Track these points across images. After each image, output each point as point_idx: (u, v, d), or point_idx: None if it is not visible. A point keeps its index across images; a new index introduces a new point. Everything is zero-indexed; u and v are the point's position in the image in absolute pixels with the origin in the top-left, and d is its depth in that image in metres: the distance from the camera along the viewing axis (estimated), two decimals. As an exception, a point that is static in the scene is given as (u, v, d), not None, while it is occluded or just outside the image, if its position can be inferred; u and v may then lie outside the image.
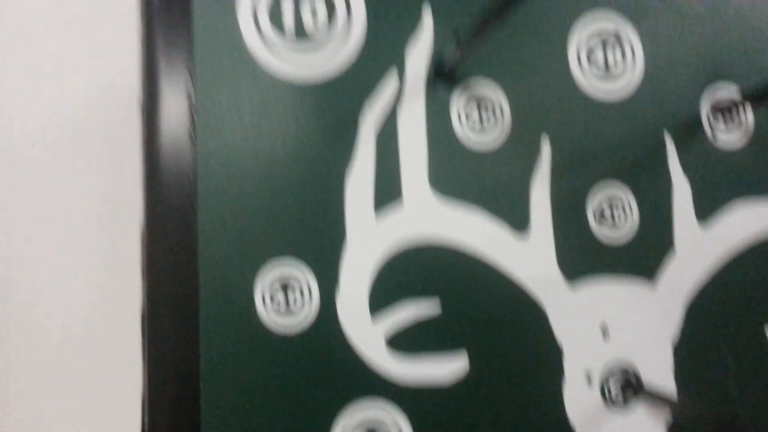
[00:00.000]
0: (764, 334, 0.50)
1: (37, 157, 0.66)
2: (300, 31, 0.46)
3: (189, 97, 0.44)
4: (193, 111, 0.44)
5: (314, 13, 0.46)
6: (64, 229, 0.65)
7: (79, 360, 0.64)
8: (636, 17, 0.50)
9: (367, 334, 0.45)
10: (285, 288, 0.44)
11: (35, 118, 0.65)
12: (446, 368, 0.45)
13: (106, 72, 0.64)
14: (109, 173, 0.65)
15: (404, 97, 0.46)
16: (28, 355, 0.64)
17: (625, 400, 0.48)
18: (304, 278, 0.44)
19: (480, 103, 0.48)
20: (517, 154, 0.48)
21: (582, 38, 0.49)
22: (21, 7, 0.65)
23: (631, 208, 0.49)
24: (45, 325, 0.64)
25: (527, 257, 0.47)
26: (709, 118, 0.51)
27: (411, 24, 0.47)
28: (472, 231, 0.47)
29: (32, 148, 0.65)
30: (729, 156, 0.50)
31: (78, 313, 0.65)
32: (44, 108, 0.65)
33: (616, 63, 0.50)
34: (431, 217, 0.46)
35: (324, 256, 0.45)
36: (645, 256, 0.49)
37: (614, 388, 0.48)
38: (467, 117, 0.47)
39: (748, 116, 0.51)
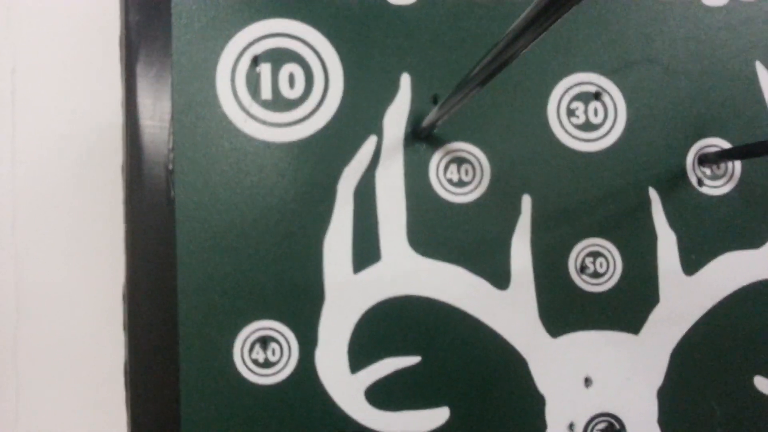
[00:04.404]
0: (752, 382, 0.50)
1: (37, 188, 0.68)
2: (277, 98, 0.47)
3: (168, 158, 0.45)
4: (171, 172, 0.45)
5: (292, 81, 0.47)
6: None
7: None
8: (618, 74, 0.50)
9: (346, 386, 0.46)
10: (264, 343, 0.45)
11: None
12: (427, 418, 0.46)
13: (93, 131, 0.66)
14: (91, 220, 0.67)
15: (382, 156, 0.47)
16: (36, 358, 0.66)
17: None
18: (283, 335, 0.46)
19: (459, 161, 0.48)
20: (497, 209, 0.48)
21: (563, 100, 0.50)
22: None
23: (614, 260, 0.49)
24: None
25: (508, 310, 0.48)
26: (695, 169, 0.50)
27: (389, 89, 0.48)
28: (451, 287, 0.47)
29: (31, 180, 0.67)
30: (714, 203, 0.50)
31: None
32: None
33: (597, 115, 0.50)
34: (410, 274, 0.47)
35: (303, 315, 0.46)
36: (628, 306, 0.49)
37: (597, 438, 0.48)
38: (446, 174, 0.48)
39: (736, 165, 0.51)
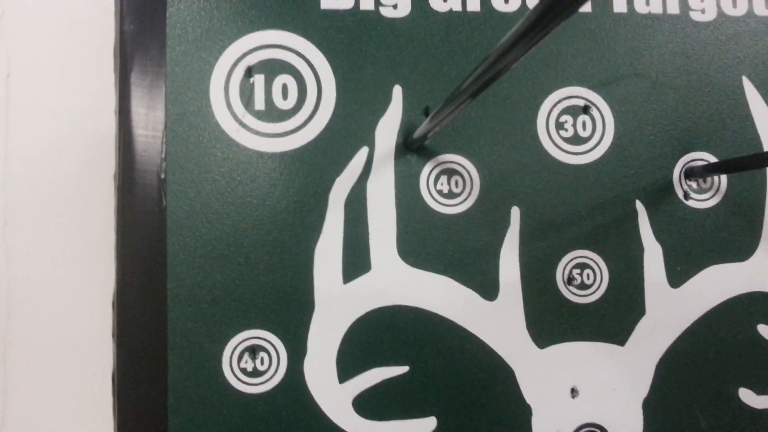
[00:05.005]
0: (737, 393, 0.50)
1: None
2: (270, 109, 0.47)
3: (160, 167, 0.46)
4: (163, 181, 0.46)
5: (285, 92, 0.47)
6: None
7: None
8: (606, 88, 0.51)
9: (334, 395, 0.46)
10: (253, 352, 0.46)
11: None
12: (414, 428, 0.47)
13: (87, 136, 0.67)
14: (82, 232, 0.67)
15: (373, 167, 0.48)
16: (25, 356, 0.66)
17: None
18: (272, 344, 0.46)
19: (450, 172, 0.49)
20: (486, 220, 0.49)
21: (552, 113, 0.50)
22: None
23: (601, 272, 0.50)
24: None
25: (496, 321, 0.48)
26: (681, 183, 0.51)
27: (381, 100, 0.49)
28: (440, 297, 0.48)
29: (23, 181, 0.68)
30: (700, 216, 0.51)
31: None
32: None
33: (585, 128, 0.50)
34: (399, 285, 0.47)
35: (292, 325, 0.46)
36: (615, 318, 0.50)
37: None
38: (437, 185, 0.48)
39: (722, 179, 0.52)
